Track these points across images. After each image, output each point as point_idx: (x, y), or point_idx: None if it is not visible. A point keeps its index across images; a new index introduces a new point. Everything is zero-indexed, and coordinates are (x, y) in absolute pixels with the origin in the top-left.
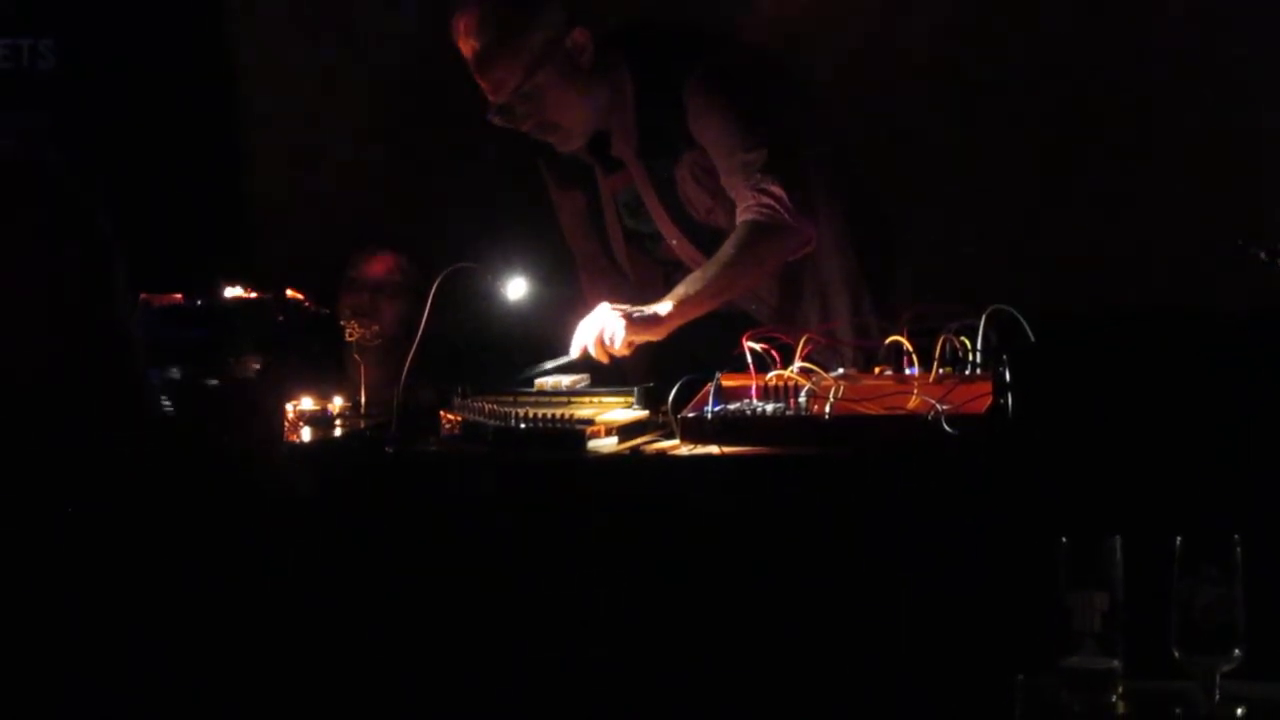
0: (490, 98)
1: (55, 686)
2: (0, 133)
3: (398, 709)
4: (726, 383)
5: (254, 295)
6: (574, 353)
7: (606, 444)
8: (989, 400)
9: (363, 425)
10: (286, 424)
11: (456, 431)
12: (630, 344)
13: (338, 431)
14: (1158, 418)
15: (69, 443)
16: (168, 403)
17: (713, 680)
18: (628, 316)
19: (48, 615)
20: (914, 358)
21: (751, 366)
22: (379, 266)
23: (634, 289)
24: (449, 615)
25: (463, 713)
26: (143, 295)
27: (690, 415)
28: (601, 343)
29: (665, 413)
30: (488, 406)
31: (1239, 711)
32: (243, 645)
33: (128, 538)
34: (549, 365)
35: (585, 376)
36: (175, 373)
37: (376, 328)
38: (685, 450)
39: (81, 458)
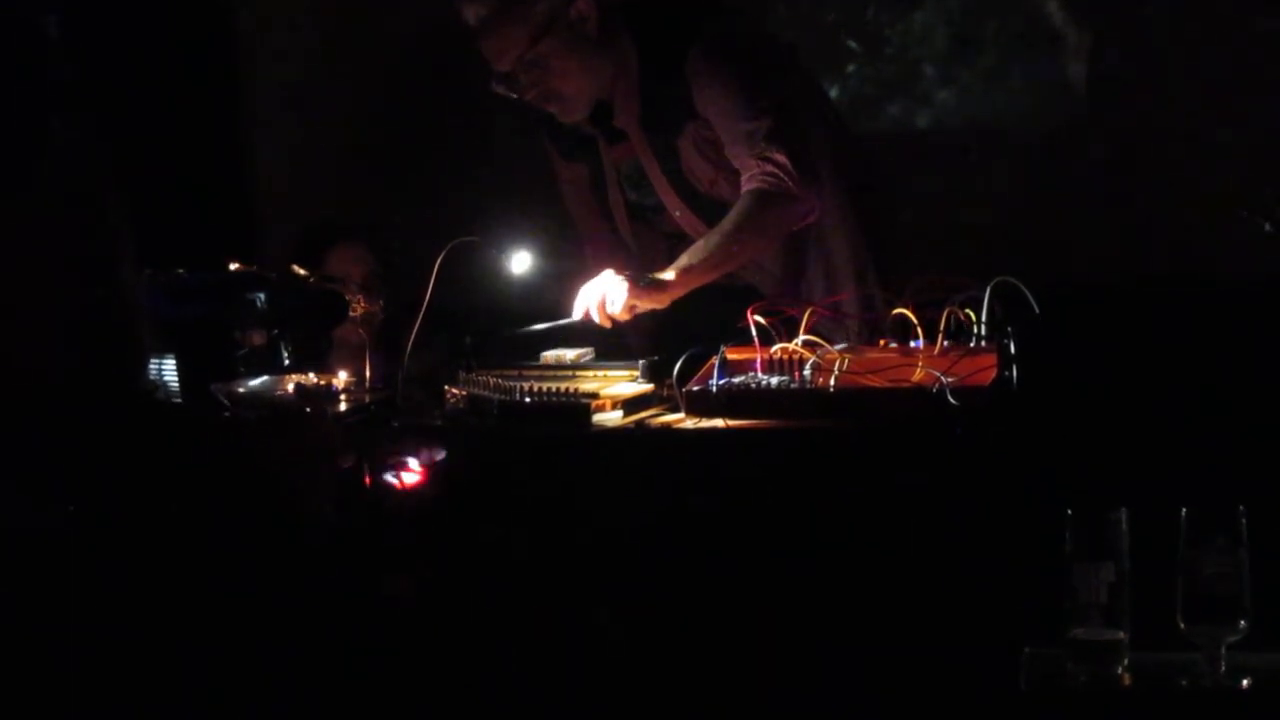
0: (493, 65)
1: (51, 687)
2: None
3: (403, 683)
4: (731, 356)
5: (258, 270)
6: (576, 315)
7: (611, 418)
8: (994, 373)
9: (367, 400)
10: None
11: (461, 405)
12: (631, 308)
13: (342, 406)
14: (1163, 388)
15: (69, 432)
16: (174, 384)
17: (720, 653)
18: (631, 280)
19: (46, 615)
20: (919, 330)
21: (756, 339)
22: (353, 264)
23: (638, 262)
24: (454, 589)
25: (469, 687)
26: (147, 270)
27: (695, 389)
28: (603, 307)
29: (670, 386)
30: (492, 380)
31: (1244, 683)
32: (250, 627)
33: (129, 525)
34: (544, 326)
35: (590, 350)
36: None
37: (381, 303)
38: (690, 424)
39: (82, 447)
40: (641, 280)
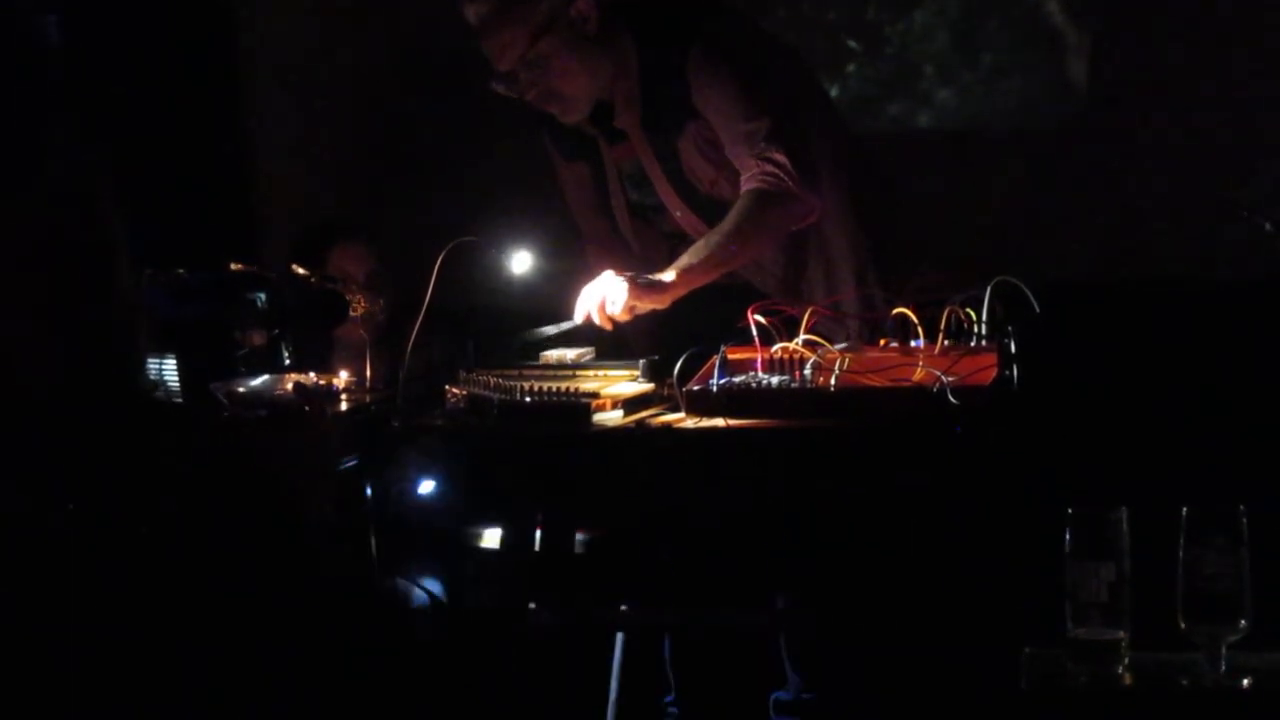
0: (494, 65)
1: (51, 687)
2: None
3: (403, 682)
4: (732, 355)
5: (258, 270)
6: (577, 318)
7: (612, 417)
8: (994, 372)
9: (368, 400)
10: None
11: (462, 405)
12: (631, 309)
13: (343, 406)
14: (1163, 388)
15: (68, 432)
16: (174, 383)
17: (720, 652)
18: (631, 281)
19: (45, 614)
20: (919, 329)
21: (757, 339)
22: (354, 264)
23: (639, 262)
24: (457, 587)
25: (469, 687)
26: (147, 270)
27: (696, 388)
28: (603, 309)
29: (671, 386)
30: (492, 380)
31: (1245, 682)
32: (249, 627)
33: (132, 526)
34: (551, 331)
35: (590, 350)
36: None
37: (382, 302)
38: (691, 423)
39: (81, 447)
40: (641, 280)
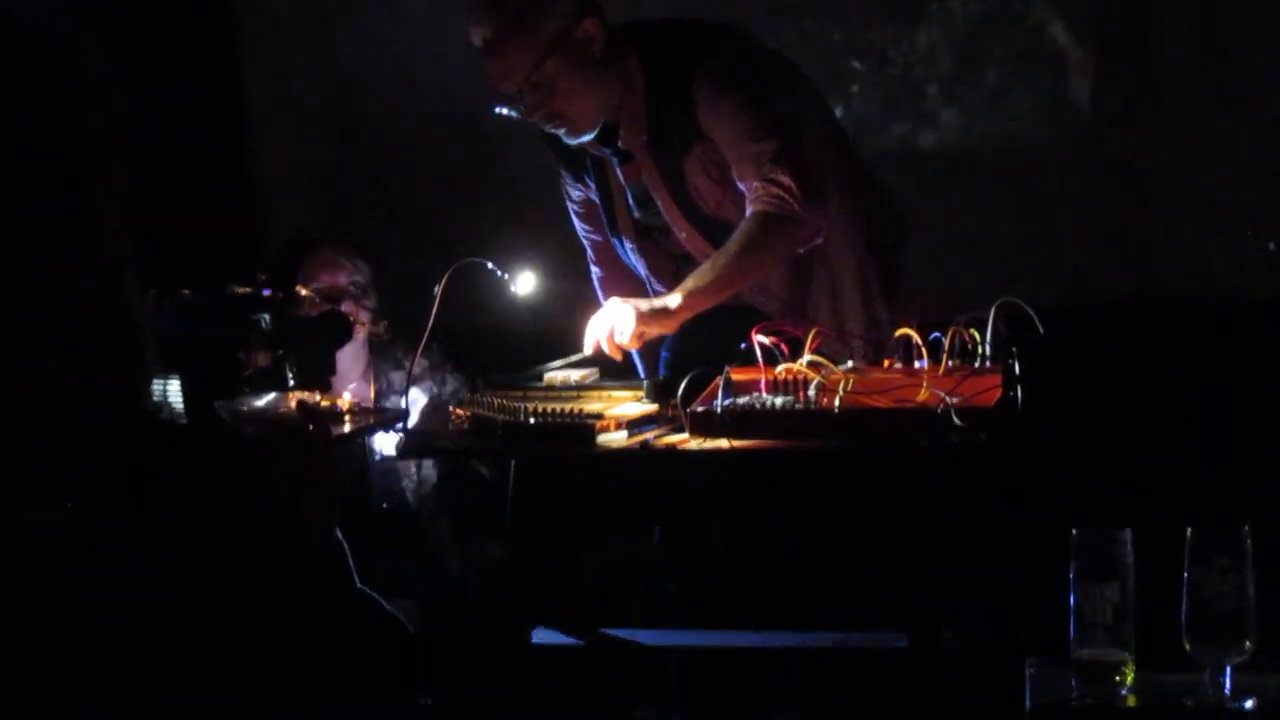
0: (499, 86)
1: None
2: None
3: (403, 704)
4: (736, 376)
5: (263, 291)
6: (587, 349)
7: (616, 438)
8: (999, 393)
9: (373, 420)
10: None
11: (466, 426)
12: (640, 336)
13: (347, 427)
14: (1167, 408)
15: (68, 451)
16: (178, 405)
17: (723, 670)
18: (637, 309)
19: (43, 628)
20: (924, 350)
21: (761, 360)
22: (337, 276)
23: (646, 282)
24: (460, 607)
25: (470, 709)
26: (152, 290)
27: (700, 409)
28: (613, 338)
29: (675, 406)
30: (497, 401)
31: (1249, 703)
32: (251, 643)
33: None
34: (559, 365)
35: (595, 371)
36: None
37: (386, 323)
38: (695, 444)
39: (81, 466)
40: (646, 308)
